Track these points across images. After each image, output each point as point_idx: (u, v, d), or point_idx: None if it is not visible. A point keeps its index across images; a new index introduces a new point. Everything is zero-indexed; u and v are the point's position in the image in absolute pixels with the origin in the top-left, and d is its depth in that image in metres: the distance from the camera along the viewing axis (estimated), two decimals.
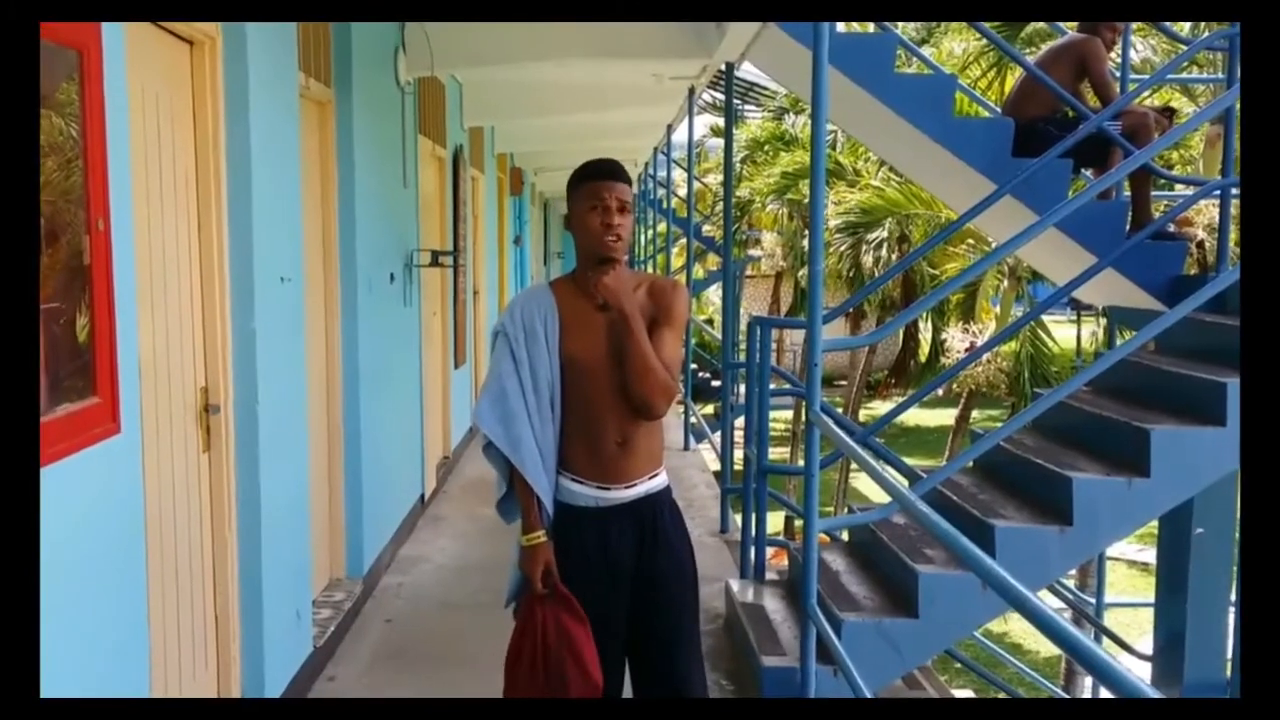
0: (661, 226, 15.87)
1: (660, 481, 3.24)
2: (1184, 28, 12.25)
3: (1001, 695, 8.46)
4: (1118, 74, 6.64)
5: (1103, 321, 8.57)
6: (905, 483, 4.77)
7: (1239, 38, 5.63)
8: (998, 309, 16.49)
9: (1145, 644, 6.65)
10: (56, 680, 2.55)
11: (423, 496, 7.92)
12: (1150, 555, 9.62)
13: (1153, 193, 6.25)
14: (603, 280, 3.06)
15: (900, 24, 17.33)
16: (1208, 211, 9.80)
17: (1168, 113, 6.30)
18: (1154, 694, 1.61)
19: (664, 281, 3.25)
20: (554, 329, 3.14)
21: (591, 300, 3.13)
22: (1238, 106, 5.75)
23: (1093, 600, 7.86)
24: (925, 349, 22.76)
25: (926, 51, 15.59)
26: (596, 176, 3.13)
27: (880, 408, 23.99)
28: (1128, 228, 5.83)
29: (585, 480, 3.16)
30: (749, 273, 23.89)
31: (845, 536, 5.59)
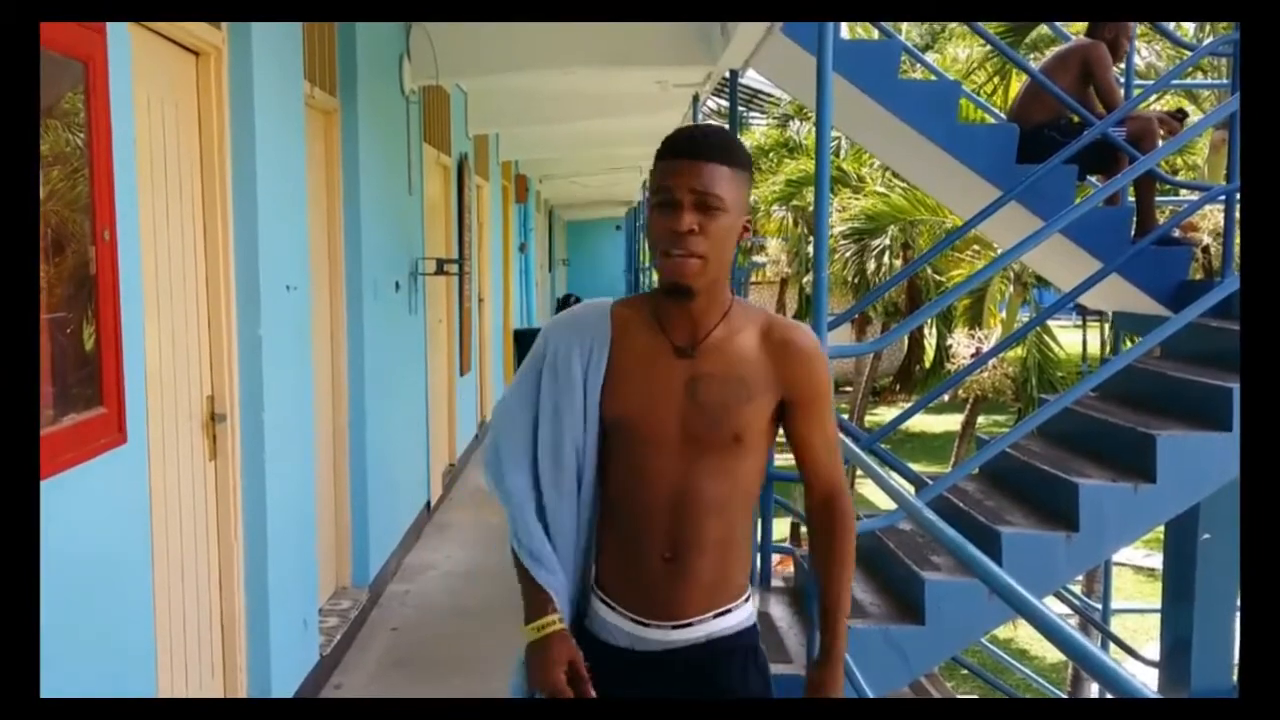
0: None
1: (736, 621, 2.20)
2: (1188, 33, 12.26)
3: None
4: (1122, 79, 6.63)
5: (1109, 327, 8.57)
6: (911, 489, 4.78)
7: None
8: (1004, 315, 16.47)
9: (1152, 650, 6.63)
10: (62, 689, 2.56)
11: (429, 504, 7.91)
12: (1157, 561, 9.60)
13: (1158, 198, 6.25)
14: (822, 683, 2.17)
15: (905, 30, 17.37)
16: (1213, 217, 9.78)
17: (1179, 115, 6.29)
18: (1155, 696, 1.61)
19: (795, 334, 2.17)
20: (597, 372, 2.15)
21: (665, 337, 2.13)
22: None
23: (1100, 606, 7.84)
24: (930, 355, 22.75)
25: (931, 57, 15.61)
26: (672, 153, 2.06)
27: (886, 414, 23.93)
28: (1133, 233, 5.83)
29: (618, 607, 2.19)
30: (754, 279, 23.89)
31: None
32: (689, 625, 2.15)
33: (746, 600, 2.24)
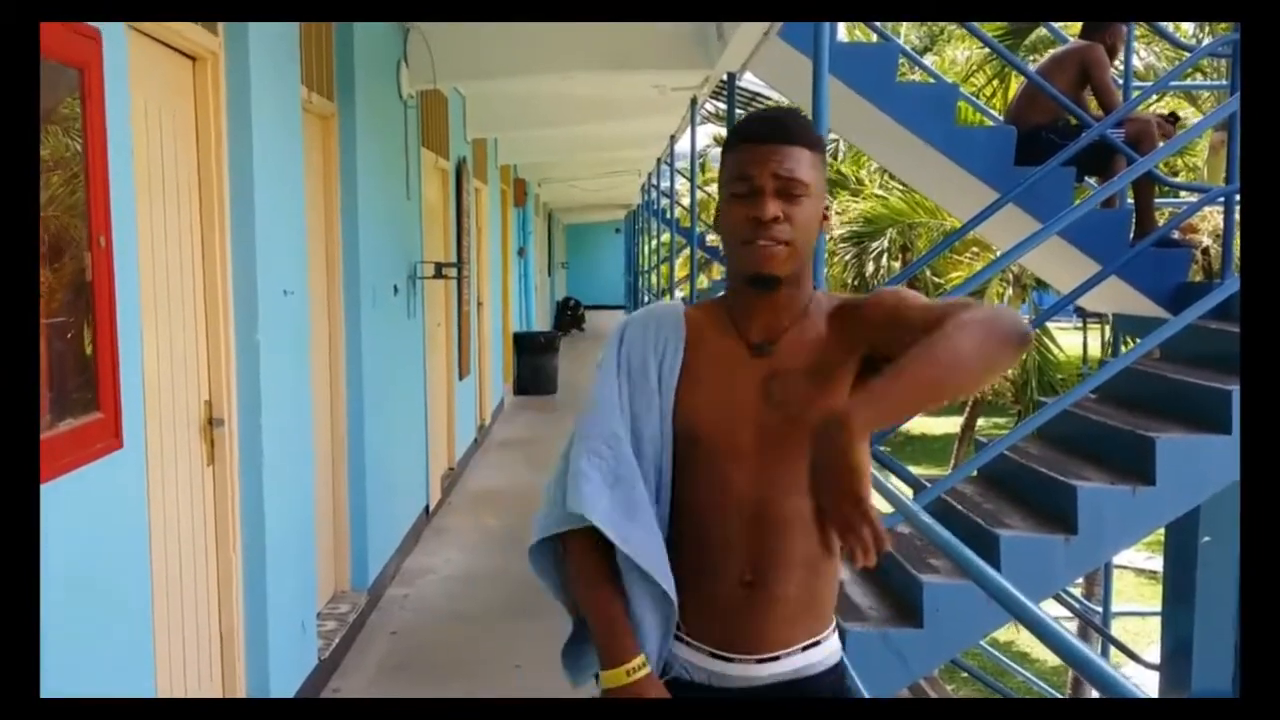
0: (665, 236, 15.88)
1: (826, 654, 1.99)
2: (1187, 33, 12.26)
3: None
4: (1120, 81, 6.64)
5: (1108, 330, 8.58)
6: (910, 492, 4.77)
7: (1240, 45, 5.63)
8: None
9: (1153, 653, 6.63)
10: (60, 693, 2.55)
11: (427, 508, 7.91)
12: (1158, 563, 9.60)
13: (1157, 200, 6.25)
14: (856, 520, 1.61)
15: (903, 33, 17.36)
16: (1212, 218, 9.79)
17: (1172, 119, 6.30)
18: (1150, 697, 1.60)
19: (851, 298, 2.04)
20: (672, 376, 1.98)
21: (741, 338, 1.97)
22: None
23: (1100, 609, 7.83)
24: None
25: (929, 59, 15.61)
26: (750, 138, 1.92)
27: None
28: (1132, 235, 5.83)
29: (691, 640, 1.98)
30: None
31: None
32: (775, 659, 1.93)
33: (834, 631, 2.02)
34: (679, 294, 17.31)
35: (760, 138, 1.90)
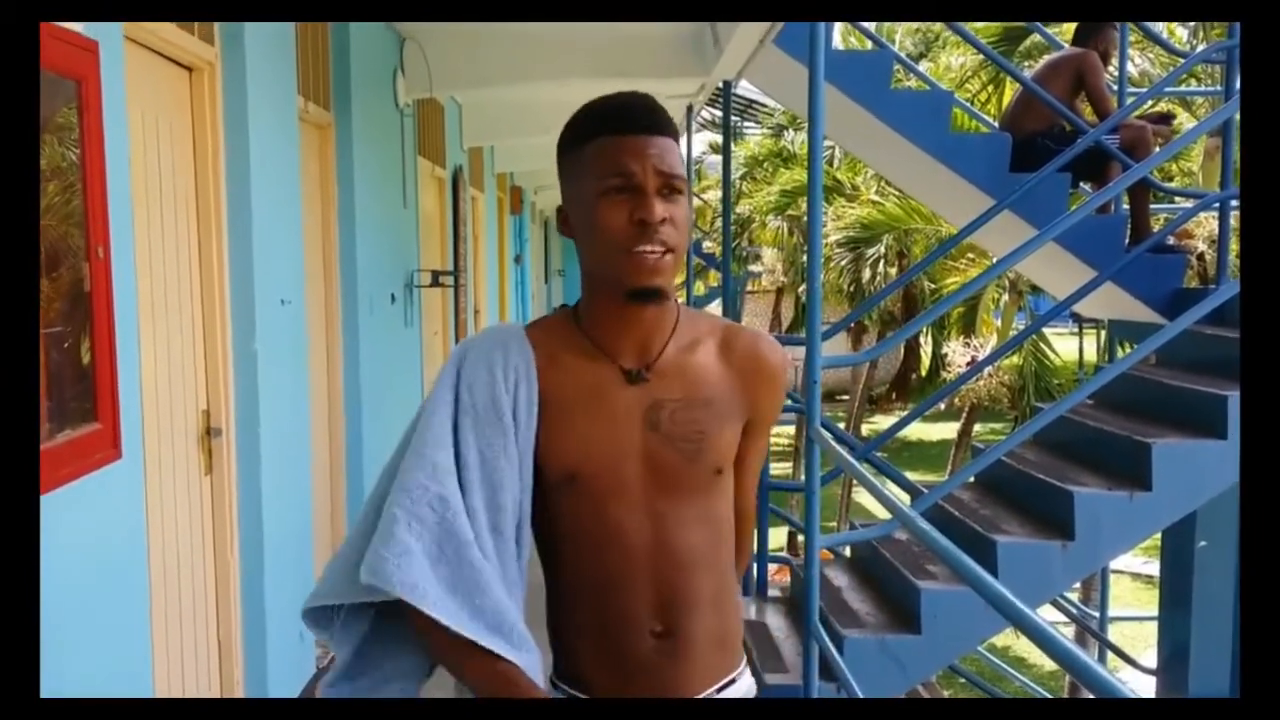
0: None
1: (743, 692, 1.84)
2: (1181, 39, 12.29)
3: None
4: (1115, 87, 6.66)
5: (1104, 335, 8.60)
6: (906, 498, 4.78)
7: (1236, 50, 5.65)
8: (999, 323, 16.50)
9: (1150, 658, 6.63)
10: None
11: None
12: (1155, 568, 9.61)
13: (1152, 205, 6.27)
14: None
15: (897, 40, 17.37)
16: (1207, 224, 9.81)
17: (1166, 119, 6.31)
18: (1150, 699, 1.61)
19: (763, 349, 1.81)
20: (529, 414, 1.70)
21: (608, 361, 1.73)
22: (1236, 118, 5.77)
23: (1097, 614, 7.84)
24: (926, 363, 22.79)
25: (924, 66, 15.64)
26: (623, 127, 1.66)
27: (883, 422, 23.97)
28: (1127, 241, 5.84)
29: (601, 697, 1.76)
30: (750, 288, 23.93)
31: (848, 552, 5.58)
32: None
33: (745, 666, 1.86)
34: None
35: (637, 127, 1.66)
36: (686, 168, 1.79)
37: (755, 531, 1.99)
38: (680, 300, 1.84)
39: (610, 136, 1.66)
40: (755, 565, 5.44)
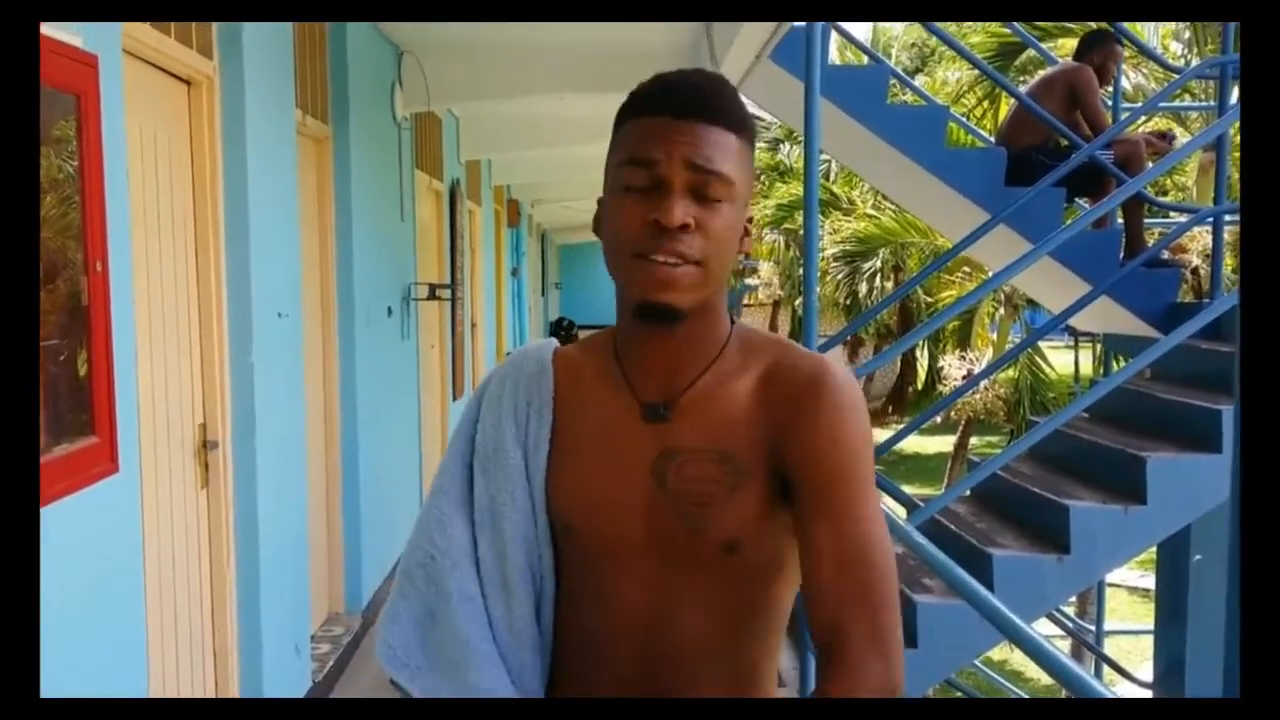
0: None
1: None
2: (1176, 54, 12.34)
3: None
4: (1110, 102, 6.68)
5: (1099, 349, 8.61)
6: (903, 512, 4.78)
7: (1229, 66, 5.67)
8: (995, 336, 16.53)
9: (1146, 671, 6.63)
10: None
11: None
12: (1151, 581, 9.61)
13: (1146, 220, 6.29)
14: None
15: (893, 55, 17.40)
16: (1202, 238, 9.84)
17: (1166, 138, 6.34)
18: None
19: (807, 370, 1.39)
20: (540, 454, 1.46)
21: (632, 393, 1.42)
22: (1231, 132, 5.79)
23: (1093, 628, 7.84)
24: (923, 377, 22.80)
25: (919, 80, 15.70)
26: (655, 108, 1.35)
27: (878, 436, 24.00)
28: (1122, 255, 5.86)
29: None
30: (747, 302, 23.97)
31: None
32: None
33: None
34: None
35: (672, 109, 1.33)
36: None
37: (874, 674, 1.28)
38: (739, 319, 1.51)
39: (643, 118, 1.36)
40: None
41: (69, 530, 2.69)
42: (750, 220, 1.42)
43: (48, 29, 2.55)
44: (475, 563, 1.47)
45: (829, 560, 1.31)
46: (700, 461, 1.37)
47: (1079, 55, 6.30)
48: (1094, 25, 7.16)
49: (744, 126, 1.36)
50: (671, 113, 1.33)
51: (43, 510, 2.51)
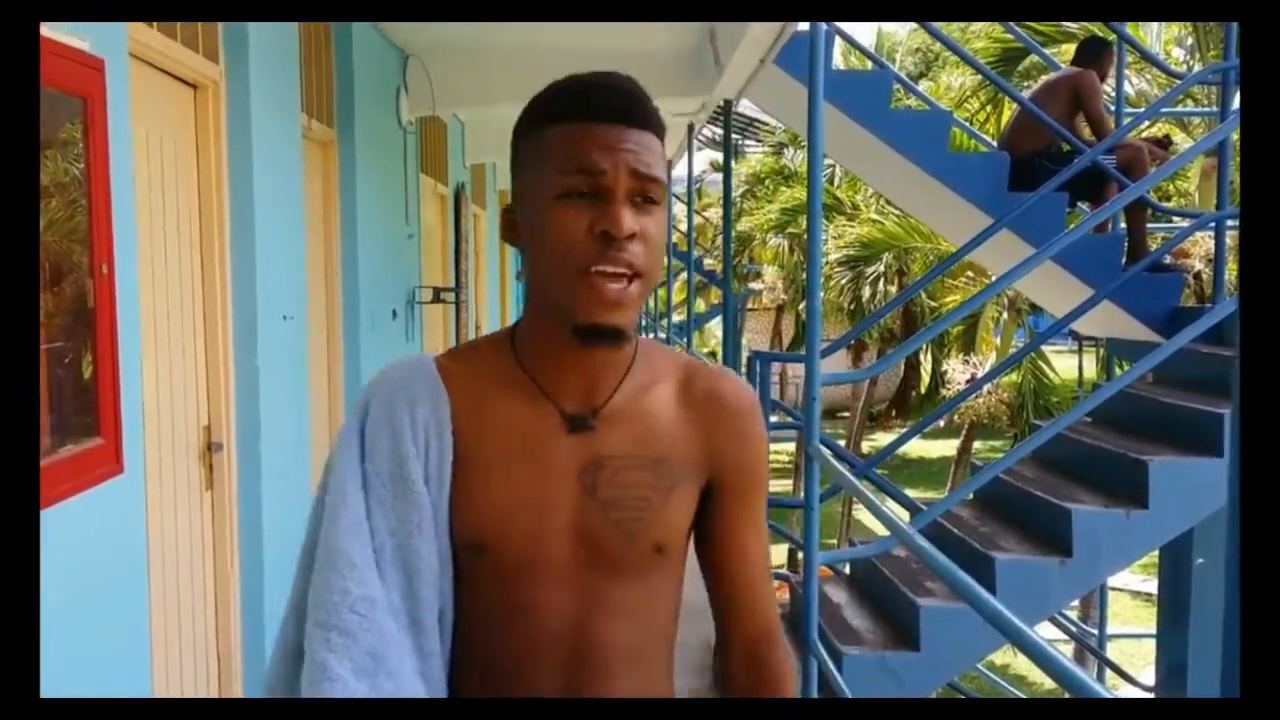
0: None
1: None
2: (1178, 60, 12.34)
3: None
4: (1112, 108, 6.69)
5: (1103, 353, 8.62)
6: (905, 516, 4.79)
7: (1231, 72, 5.69)
8: (998, 340, 16.53)
9: (1149, 675, 6.63)
10: None
11: None
12: (1154, 586, 9.61)
13: (1149, 225, 6.29)
14: None
15: (897, 60, 17.42)
16: (1204, 243, 9.84)
17: (1164, 143, 6.35)
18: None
19: (727, 386, 1.45)
20: (443, 469, 1.37)
21: (548, 401, 1.39)
22: (1234, 138, 5.80)
23: (1095, 632, 7.84)
24: (926, 381, 22.80)
25: (923, 85, 15.71)
26: (593, 114, 1.31)
27: (882, 439, 23.97)
28: (1124, 260, 5.87)
29: None
30: (750, 306, 23.97)
31: (847, 570, 5.59)
32: None
33: None
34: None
35: (614, 114, 1.30)
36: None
37: (787, 658, 1.49)
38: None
39: (578, 123, 1.31)
40: None
41: (74, 531, 2.70)
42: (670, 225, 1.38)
43: (54, 32, 2.57)
44: (384, 580, 1.35)
45: (758, 566, 1.47)
46: (634, 468, 1.38)
47: (1077, 61, 6.32)
48: (1092, 29, 7.17)
49: (664, 129, 1.37)
50: (611, 118, 1.30)
51: (48, 511, 2.52)
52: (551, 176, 1.30)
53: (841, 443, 16.82)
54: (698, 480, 1.42)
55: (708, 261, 18.21)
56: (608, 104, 1.31)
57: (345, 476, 1.39)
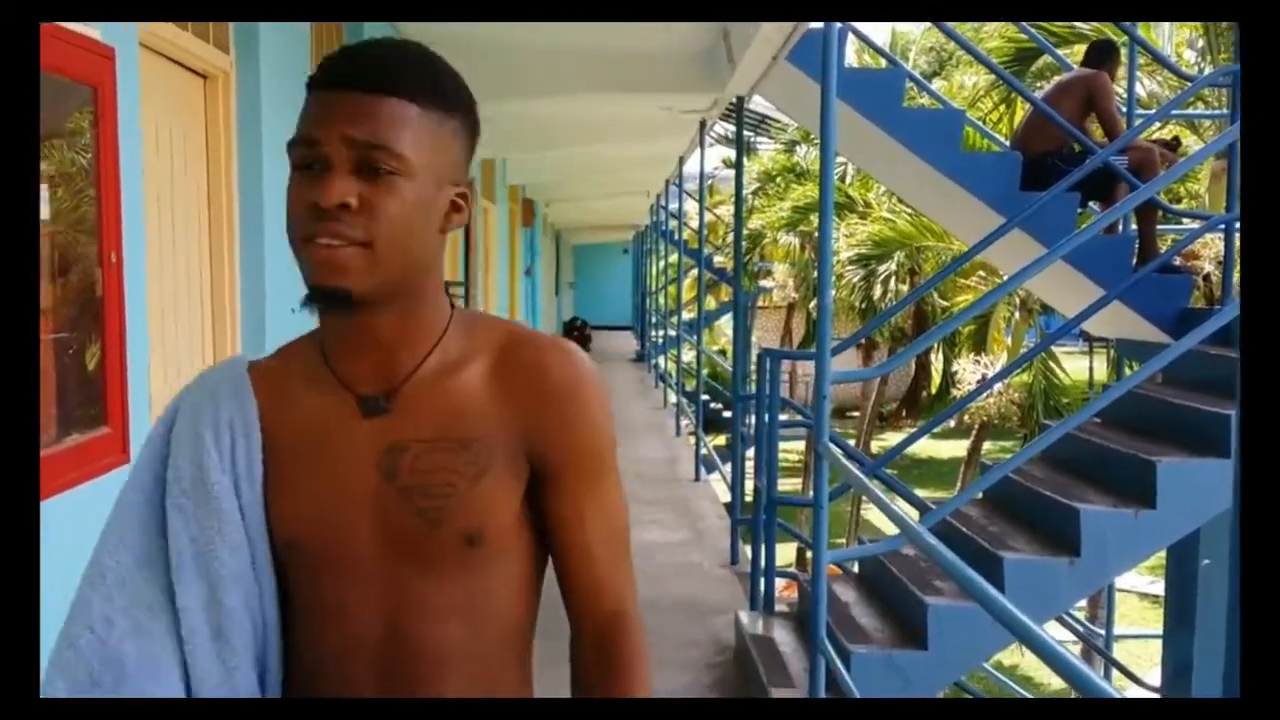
0: (674, 257, 15.96)
1: None
2: (1189, 62, 12.32)
3: None
4: (1124, 109, 6.68)
5: (1113, 354, 8.61)
6: (915, 515, 4.78)
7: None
8: (1009, 340, 16.51)
9: (1155, 676, 6.62)
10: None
11: None
12: (1161, 588, 9.61)
13: (1159, 226, 6.28)
14: None
15: (910, 59, 17.40)
16: (1214, 245, 9.82)
17: (1173, 145, 6.34)
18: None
19: (543, 354, 1.35)
20: (253, 479, 1.32)
21: (344, 393, 1.32)
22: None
23: (1102, 632, 7.83)
24: (937, 380, 22.79)
25: (937, 84, 15.69)
26: (319, 78, 1.26)
27: (892, 439, 23.95)
28: (1135, 261, 5.85)
29: None
30: (761, 304, 23.97)
31: (856, 568, 5.58)
32: None
33: None
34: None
35: (340, 80, 1.23)
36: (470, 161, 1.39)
37: (640, 638, 1.37)
38: (460, 303, 1.42)
39: (311, 93, 1.26)
40: (763, 579, 5.43)
41: (80, 520, 2.70)
42: (464, 195, 1.36)
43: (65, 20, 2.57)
44: (173, 620, 1.28)
45: (600, 550, 1.34)
46: (436, 451, 1.29)
47: (1089, 62, 6.31)
48: (1105, 30, 7.15)
49: (430, 93, 1.27)
50: (332, 85, 1.24)
51: (55, 500, 2.53)
52: (290, 150, 1.28)
53: (852, 442, 16.83)
54: (517, 463, 1.31)
55: (718, 259, 18.20)
56: (339, 70, 1.24)
57: (129, 485, 1.37)
